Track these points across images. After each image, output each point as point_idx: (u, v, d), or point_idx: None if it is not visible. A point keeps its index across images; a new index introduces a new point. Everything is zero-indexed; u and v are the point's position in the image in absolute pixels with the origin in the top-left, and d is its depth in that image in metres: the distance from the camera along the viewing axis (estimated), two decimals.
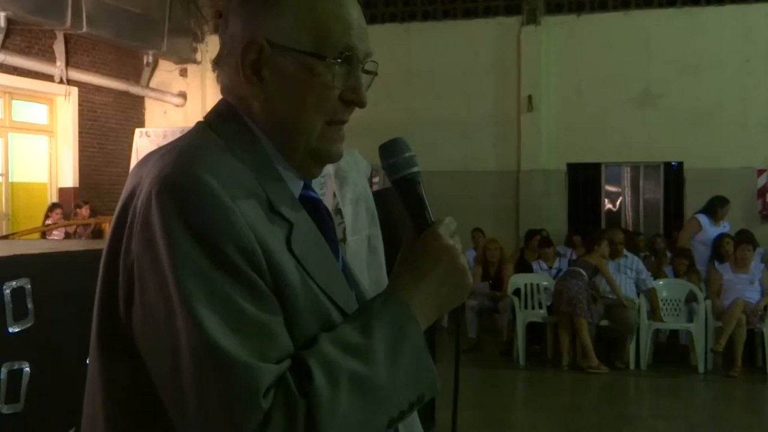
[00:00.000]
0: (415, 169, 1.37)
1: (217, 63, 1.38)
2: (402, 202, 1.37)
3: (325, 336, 1.19)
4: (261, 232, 1.17)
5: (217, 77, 1.38)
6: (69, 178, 13.05)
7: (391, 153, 1.37)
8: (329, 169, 3.78)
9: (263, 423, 1.08)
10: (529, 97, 13.30)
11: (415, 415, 1.37)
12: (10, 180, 12.37)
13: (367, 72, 1.38)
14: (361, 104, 1.35)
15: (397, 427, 1.29)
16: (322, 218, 1.39)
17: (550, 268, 10.36)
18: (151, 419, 1.18)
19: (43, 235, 10.41)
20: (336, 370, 1.14)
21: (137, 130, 7.69)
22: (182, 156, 1.21)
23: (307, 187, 1.40)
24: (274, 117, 1.31)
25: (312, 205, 1.38)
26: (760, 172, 12.60)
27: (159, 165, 1.20)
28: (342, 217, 3.84)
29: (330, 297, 1.25)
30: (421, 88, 13.70)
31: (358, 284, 1.49)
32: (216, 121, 1.34)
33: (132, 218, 1.19)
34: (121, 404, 1.22)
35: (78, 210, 11.70)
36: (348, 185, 3.87)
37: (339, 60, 1.30)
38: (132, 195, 1.22)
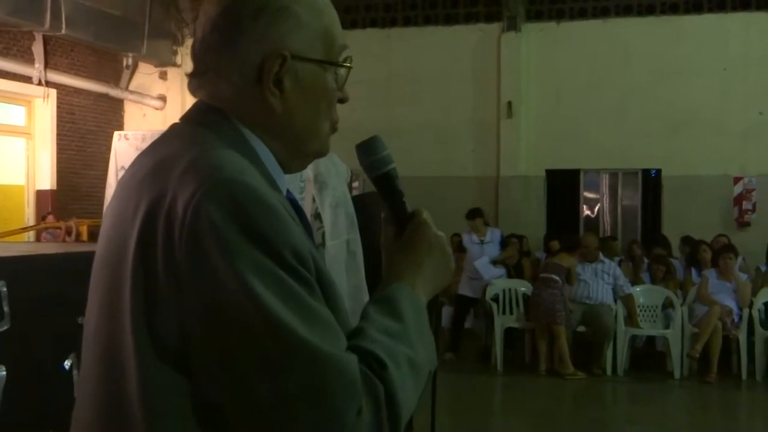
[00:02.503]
0: (392, 166, 1.45)
1: (205, 73, 1.36)
2: (382, 197, 1.45)
3: (367, 326, 1.25)
4: (304, 237, 1.22)
5: (198, 86, 1.37)
6: (47, 180, 12.95)
7: (369, 151, 1.44)
8: (309, 173, 3.78)
9: (358, 411, 1.13)
10: (509, 103, 13.35)
11: None
12: None
13: (347, 67, 1.42)
14: (347, 100, 1.42)
15: None
16: (303, 219, 1.41)
17: (481, 241, 10.37)
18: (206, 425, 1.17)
19: (38, 238, 10.40)
20: (397, 355, 1.21)
21: (116, 133, 7.66)
22: (216, 163, 1.20)
23: (287, 190, 1.42)
24: (290, 126, 1.35)
25: (294, 206, 1.38)
26: (737, 179, 12.71)
27: (195, 173, 1.18)
28: (321, 222, 3.84)
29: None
30: (401, 94, 13.71)
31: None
32: (210, 124, 1.33)
33: (167, 227, 1.16)
34: (171, 414, 1.18)
35: (44, 221, 11.59)
36: (327, 190, 3.87)
37: (347, 64, 1.39)
38: (156, 206, 1.19)
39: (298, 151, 1.39)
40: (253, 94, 1.32)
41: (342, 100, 1.41)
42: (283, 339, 1.10)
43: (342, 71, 1.39)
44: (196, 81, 1.38)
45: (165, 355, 1.17)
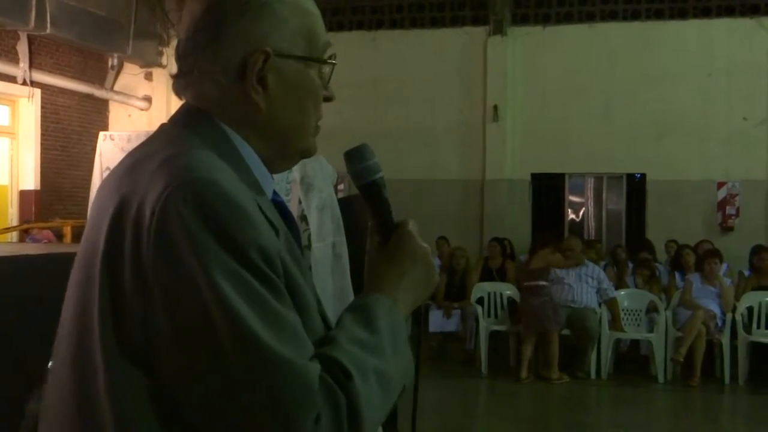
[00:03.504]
0: (380, 174, 1.43)
1: (189, 73, 1.35)
2: (367, 206, 1.44)
3: (339, 335, 1.23)
4: (273, 236, 1.20)
5: (183, 86, 1.37)
6: (30, 180, 12.87)
7: (357, 159, 1.42)
8: (295, 175, 3.77)
9: (315, 421, 1.11)
10: (495, 106, 13.36)
11: None
12: None
13: (331, 64, 1.42)
14: (333, 98, 1.42)
15: None
16: (290, 222, 1.41)
17: None
18: (172, 427, 1.16)
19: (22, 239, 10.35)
20: (365, 366, 1.19)
21: (101, 134, 7.62)
22: (188, 163, 1.20)
23: (275, 191, 1.42)
24: (276, 124, 1.34)
25: (279, 208, 1.38)
26: (720, 184, 12.78)
27: (164, 173, 1.18)
28: (307, 224, 3.84)
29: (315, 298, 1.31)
30: (387, 96, 13.71)
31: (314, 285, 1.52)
32: (193, 125, 1.33)
33: (135, 228, 1.16)
34: (138, 417, 1.17)
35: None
36: (313, 192, 3.87)
37: (331, 60, 1.38)
38: (125, 204, 1.19)
39: (284, 150, 1.38)
40: (237, 92, 1.32)
41: (328, 99, 1.41)
42: (243, 341, 1.09)
43: (327, 69, 1.39)
44: (181, 81, 1.37)
45: (131, 355, 1.17)
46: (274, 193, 1.41)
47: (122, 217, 1.19)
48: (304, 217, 3.85)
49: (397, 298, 1.34)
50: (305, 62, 1.35)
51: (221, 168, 1.21)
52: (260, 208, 1.22)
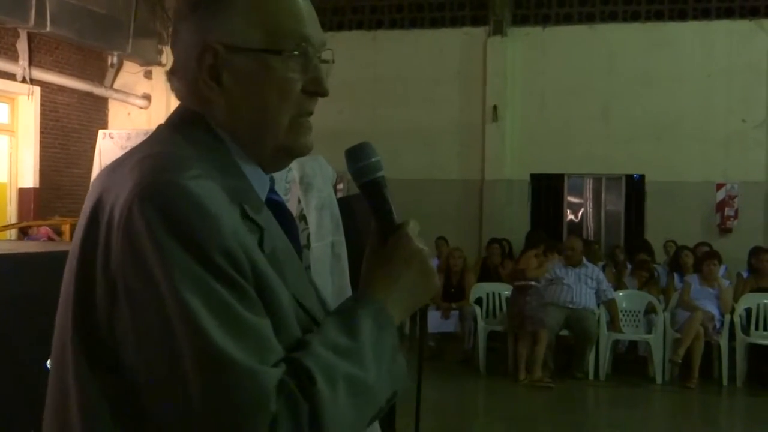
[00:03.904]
0: (381, 173, 1.40)
1: (173, 73, 1.36)
2: (369, 205, 1.40)
3: (314, 338, 1.20)
4: (243, 239, 1.17)
5: (171, 86, 1.37)
6: (30, 178, 12.86)
7: (358, 157, 1.39)
8: (294, 175, 3.77)
9: (271, 427, 1.08)
10: (494, 107, 13.36)
11: (376, 423, 1.38)
12: None
13: (324, 61, 1.37)
14: (324, 94, 1.35)
15: None
16: (287, 221, 1.39)
17: None
18: (136, 429, 1.16)
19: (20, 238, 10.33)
20: (334, 372, 1.16)
21: (101, 132, 7.63)
22: (160, 164, 1.19)
23: (272, 190, 1.40)
24: (238, 119, 1.31)
25: (276, 208, 1.37)
26: (719, 186, 12.78)
27: (135, 173, 1.18)
28: (306, 224, 3.83)
29: (299, 300, 1.25)
30: (386, 96, 13.71)
31: (316, 287, 1.48)
32: (182, 126, 1.32)
33: (107, 228, 1.17)
34: (103, 417, 1.19)
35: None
36: (313, 191, 3.87)
37: (295, 52, 1.30)
38: (100, 204, 1.20)
39: (257, 148, 1.32)
40: (198, 89, 1.31)
41: (315, 93, 1.34)
42: (199, 347, 1.08)
43: (304, 60, 1.31)
44: (171, 79, 1.37)
45: (100, 355, 1.18)
46: (273, 192, 1.40)
47: (97, 216, 1.19)
48: (303, 217, 3.85)
49: (387, 302, 1.30)
50: (264, 54, 1.29)
51: (194, 169, 1.19)
52: (243, 208, 1.21)
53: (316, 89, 1.34)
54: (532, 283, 9.17)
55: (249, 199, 1.25)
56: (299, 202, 3.83)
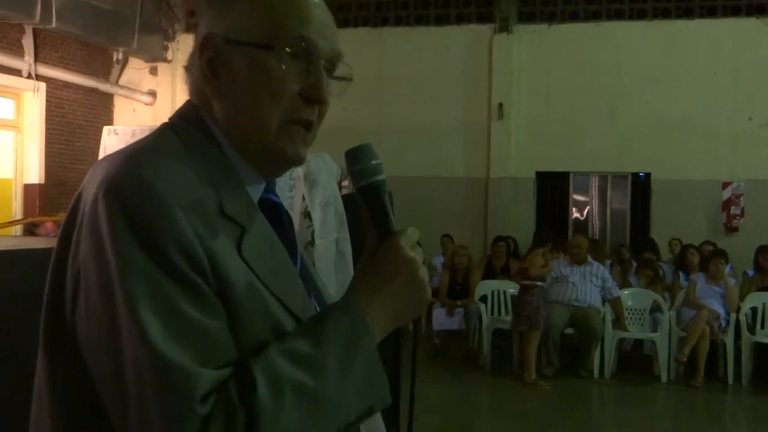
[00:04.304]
0: (380, 177, 1.34)
1: (186, 68, 1.36)
2: (365, 210, 1.34)
3: (274, 345, 1.16)
4: (206, 235, 1.14)
5: (187, 79, 1.36)
6: (35, 174, 12.89)
7: (358, 159, 1.34)
8: (299, 171, 3.76)
9: (200, 430, 1.05)
10: (500, 104, 13.35)
11: (380, 421, 1.36)
12: None
13: (340, 78, 1.35)
14: (321, 101, 1.30)
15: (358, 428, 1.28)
16: (282, 223, 1.37)
17: None
18: (93, 419, 1.16)
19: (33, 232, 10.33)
20: (281, 380, 1.11)
21: (105, 128, 7.64)
22: (130, 158, 1.19)
23: (270, 190, 1.38)
24: (230, 114, 1.29)
25: (272, 209, 1.36)
26: (725, 184, 12.76)
27: (108, 166, 1.18)
28: (311, 221, 3.82)
29: (283, 303, 1.23)
30: (391, 93, 13.70)
31: (320, 290, 1.46)
32: (178, 122, 1.32)
33: (80, 219, 1.17)
34: (66, 405, 1.21)
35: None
36: (317, 188, 3.86)
37: (290, 51, 1.26)
38: (80, 195, 1.21)
39: (246, 148, 1.29)
40: (200, 81, 1.31)
41: (311, 98, 1.30)
42: (136, 343, 1.07)
43: (291, 61, 1.27)
44: (186, 73, 1.37)
45: (64, 342, 1.19)
46: (268, 190, 1.37)
47: (76, 207, 1.21)
48: (307, 214, 3.83)
49: (368, 313, 1.23)
50: (259, 50, 1.26)
51: (165, 163, 1.18)
52: (221, 206, 1.20)
53: (311, 94, 1.29)
54: (538, 283, 9.13)
55: (232, 199, 1.24)
56: (304, 198, 3.82)
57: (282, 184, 3.86)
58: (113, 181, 1.14)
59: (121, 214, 1.11)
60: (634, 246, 12.14)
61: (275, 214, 1.36)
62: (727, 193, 12.75)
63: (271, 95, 1.27)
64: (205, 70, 1.29)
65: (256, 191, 1.33)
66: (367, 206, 1.34)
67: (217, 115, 1.30)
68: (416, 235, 1.33)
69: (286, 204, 1.45)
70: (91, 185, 1.19)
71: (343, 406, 1.17)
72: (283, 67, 1.26)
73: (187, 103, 1.35)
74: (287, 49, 1.26)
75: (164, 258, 1.10)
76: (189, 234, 1.12)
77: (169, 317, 1.08)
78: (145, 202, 1.12)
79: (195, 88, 1.34)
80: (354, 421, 1.19)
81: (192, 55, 1.33)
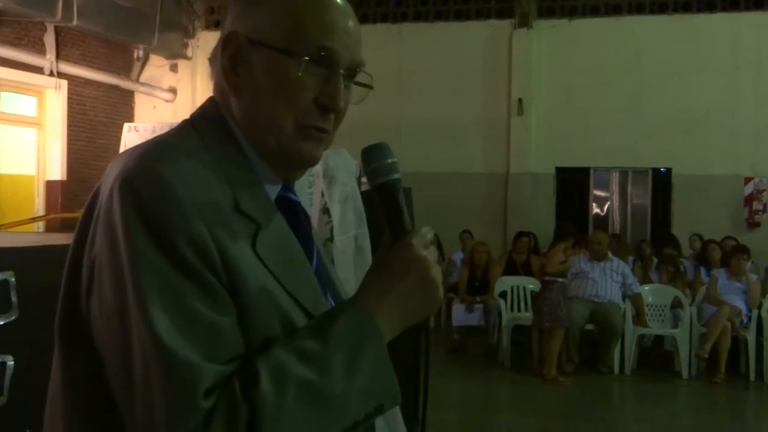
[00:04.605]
0: (395, 176, 1.34)
1: (210, 61, 1.38)
2: (380, 208, 1.34)
3: (281, 341, 1.17)
4: (219, 231, 1.16)
5: (211, 74, 1.38)
6: (57, 171, 12.99)
7: (373, 158, 1.34)
8: (318, 168, 3.77)
9: (203, 424, 1.07)
10: (520, 100, 13.32)
11: (399, 415, 1.36)
12: None
13: (360, 84, 1.36)
14: (336, 110, 1.31)
15: (373, 425, 1.29)
16: (298, 220, 1.38)
17: None
18: (106, 413, 1.18)
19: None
20: (285, 375, 1.12)
21: (126, 125, 7.67)
22: (147, 153, 1.20)
23: (288, 188, 1.38)
24: (247, 113, 1.31)
25: (289, 206, 1.37)
26: (747, 179, 12.66)
27: (124, 161, 1.20)
28: (330, 217, 3.84)
29: (297, 300, 1.24)
30: (411, 90, 13.69)
31: (337, 287, 1.47)
32: (199, 119, 1.34)
33: (97, 212, 1.19)
34: (78, 397, 1.23)
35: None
36: (336, 185, 3.87)
37: (309, 59, 1.27)
38: (98, 189, 1.23)
39: (263, 146, 1.31)
40: (221, 78, 1.33)
41: (326, 107, 1.30)
42: (144, 337, 1.09)
43: (310, 68, 1.27)
44: (211, 67, 1.39)
45: (77, 337, 1.21)
46: (286, 188, 1.38)
47: (93, 201, 1.22)
48: (326, 210, 3.85)
49: (378, 311, 1.24)
50: (280, 55, 1.27)
51: (177, 160, 1.19)
52: (236, 202, 1.21)
53: (326, 103, 1.30)
54: (558, 279, 9.06)
55: (249, 195, 1.25)
56: (323, 195, 3.83)
57: (301, 180, 3.87)
58: (129, 176, 1.15)
59: (135, 208, 1.13)
60: (654, 242, 12.07)
61: (292, 211, 1.37)
62: (749, 189, 12.66)
63: (288, 100, 1.28)
64: (226, 67, 1.31)
65: (273, 189, 1.34)
66: (382, 204, 1.34)
67: (235, 113, 1.32)
68: (430, 235, 1.33)
69: (305, 200, 1.46)
70: (108, 180, 1.20)
71: (348, 404, 1.17)
72: (301, 75, 1.27)
73: (210, 100, 1.37)
74: (307, 57, 1.27)
75: (175, 253, 1.12)
76: (201, 229, 1.14)
77: (177, 312, 1.10)
78: (159, 197, 1.13)
79: (217, 84, 1.35)
80: (363, 420, 1.19)
81: (215, 49, 1.35)
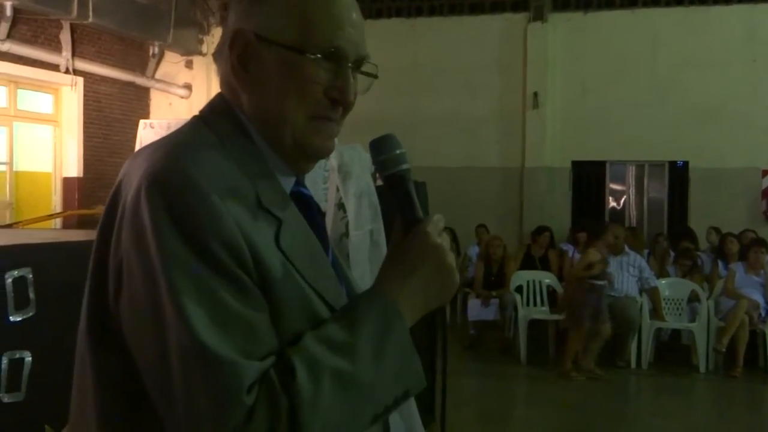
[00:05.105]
0: (405, 166, 1.37)
1: (214, 57, 1.38)
2: (392, 199, 1.37)
3: (310, 333, 1.19)
4: (247, 228, 1.17)
5: (218, 70, 1.39)
6: (73, 167, 13.06)
7: (382, 149, 1.37)
8: (333, 163, 3.77)
9: (246, 419, 1.08)
10: (535, 93, 13.28)
11: (414, 409, 1.37)
12: (14, 169, 12.36)
13: (366, 74, 1.37)
14: (346, 104, 1.34)
15: (387, 421, 1.31)
16: (313, 215, 1.39)
17: None
18: (143, 412, 1.19)
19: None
20: (319, 367, 1.14)
21: (141, 122, 7.68)
22: (172, 152, 1.21)
23: (299, 183, 1.40)
24: (259, 110, 1.32)
25: (303, 201, 1.38)
26: (765, 172, 12.58)
27: (149, 160, 1.20)
28: (345, 212, 3.83)
29: (319, 293, 1.25)
30: (426, 84, 13.67)
31: (350, 280, 1.49)
32: (210, 115, 1.34)
33: (121, 212, 1.19)
34: (113, 397, 1.23)
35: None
36: (351, 179, 3.86)
37: (319, 56, 1.29)
38: (120, 188, 1.23)
39: (277, 141, 1.32)
40: (230, 74, 1.34)
41: (337, 101, 1.33)
42: (181, 336, 1.10)
43: (320, 64, 1.30)
44: (216, 62, 1.39)
45: (107, 336, 1.22)
46: (298, 183, 1.39)
47: (116, 202, 1.23)
48: (341, 205, 3.84)
49: (398, 298, 1.27)
50: (290, 52, 1.29)
51: (205, 157, 1.20)
52: (258, 199, 1.22)
53: (337, 97, 1.32)
54: (598, 282, 8.79)
55: (268, 191, 1.26)
56: (338, 190, 3.83)
57: (316, 175, 3.88)
58: (155, 176, 1.16)
59: (164, 208, 1.13)
60: (671, 235, 12.00)
61: (306, 206, 1.38)
62: (766, 182, 12.57)
63: (300, 95, 1.30)
64: (235, 65, 1.31)
65: (287, 183, 1.35)
66: (393, 195, 1.36)
67: (246, 108, 1.33)
68: (442, 222, 1.36)
69: (320, 196, 1.47)
70: (130, 178, 1.21)
71: (379, 390, 1.20)
72: (312, 71, 1.29)
73: (218, 96, 1.38)
74: (318, 55, 1.29)
75: (207, 251, 1.12)
76: (231, 227, 1.15)
77: (213, 310, 1.11)
78: (188, 196, 1.14)
79: (225, 80, 1.36)
80: (391, 405, 1.22)
81: (221, 46, 1.35)
